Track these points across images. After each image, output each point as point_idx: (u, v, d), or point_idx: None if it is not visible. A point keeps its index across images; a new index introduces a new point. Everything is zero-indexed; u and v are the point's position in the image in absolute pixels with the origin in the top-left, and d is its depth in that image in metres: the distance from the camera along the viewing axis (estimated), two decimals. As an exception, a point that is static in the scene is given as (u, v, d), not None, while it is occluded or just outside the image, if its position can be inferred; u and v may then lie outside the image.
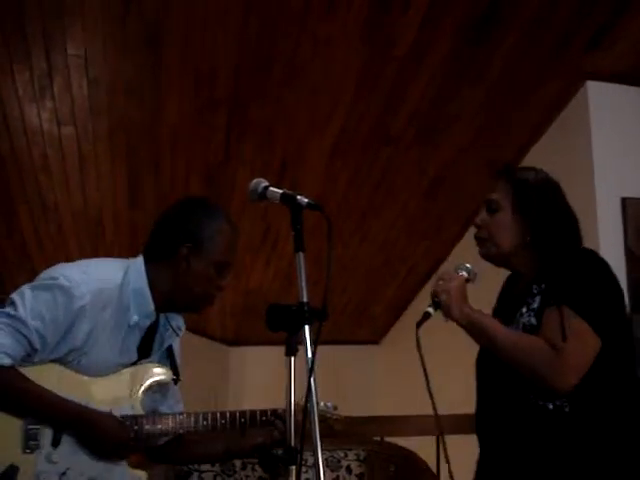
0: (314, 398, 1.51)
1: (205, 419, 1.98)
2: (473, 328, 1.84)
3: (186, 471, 2.93)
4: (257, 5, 3.27)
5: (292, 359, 1.61)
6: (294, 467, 1.57)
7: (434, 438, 3.44)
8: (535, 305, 1.83)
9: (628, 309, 3.52)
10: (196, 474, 2.93)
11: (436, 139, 4.15)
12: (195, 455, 2.21)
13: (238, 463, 3.00)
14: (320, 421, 2.03)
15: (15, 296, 1.81)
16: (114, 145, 4.21)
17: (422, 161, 4.34)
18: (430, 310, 1.90)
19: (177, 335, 2.07)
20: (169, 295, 1.96)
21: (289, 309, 1.60)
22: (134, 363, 1.97)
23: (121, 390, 1.92)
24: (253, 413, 2.03)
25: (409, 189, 4.59)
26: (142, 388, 1.95)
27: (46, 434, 1.82)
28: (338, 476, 3.13)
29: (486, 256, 1.97)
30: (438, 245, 5.17)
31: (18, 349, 1.76)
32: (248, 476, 2.98)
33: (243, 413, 2.04)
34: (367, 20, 3.32)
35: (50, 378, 1.82)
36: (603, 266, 1.84)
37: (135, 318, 1.91)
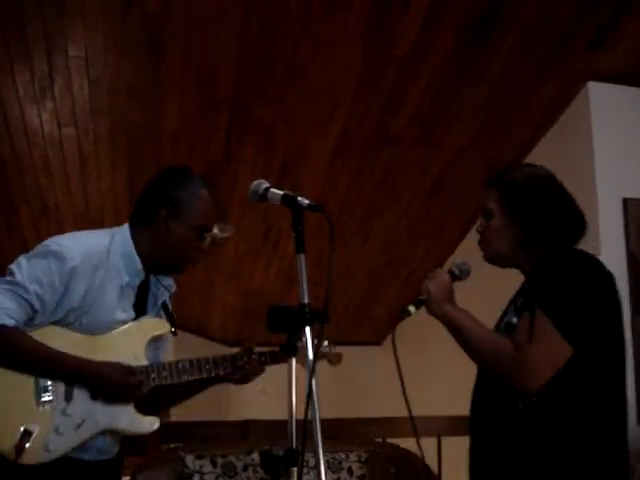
0: (315, 400, 1.51)
1: (207, 363, 2.10)
2: (449, 326, 1.89)
3: (188, 473, 2.94)
4: (258, 6, 3.27)
5: (293, 360, 1.61)
6: (295, 468, 1.57)
7: (435, 439, 3.44)
8: (519, 304, 1.86)
9: (629, 310, 3.53)
10: (197, 475, 2.94)
11: (437, 139, 4.15)
12: (181, 394, 2.25)
13: (240, 465, 3.01)
14: (319, 357, 2.12)
15: (13, 266, 1.91)
16: (115, 146, 4.21)
17: (423, 161, 4.33)
18: (410, 308, 1.95)
19: (168, 292, 2.17)
20: (153, 257, 2.07)
21: (290, 311, 1.60)
22: (133, 320, 2.06)
23: (124, 345, 2.00)
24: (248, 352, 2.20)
25: (411, 189, 4.59)
26: (145, 341, 2.06)
27: (59, 389, 1.90)
28: (339, 477, 3.13)
29: (488, 260, 2.01)
30: (440, 245, 5.17)
31: (20, 312, 1.86)
32: (249, 478, 2.98)
33: (235, 355, 2.18)
34: (367, 20, 3.32)
35: (53, 339, 1.91)
36: (590, 270, 1.82)
37: (126, 279, 2.02)
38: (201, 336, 6.40)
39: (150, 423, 2.04)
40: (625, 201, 3.63)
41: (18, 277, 1.87)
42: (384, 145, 4.20)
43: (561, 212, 1.90)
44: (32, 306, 1.87)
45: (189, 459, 2.99)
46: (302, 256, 1.62)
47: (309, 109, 3.92)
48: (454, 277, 1.97)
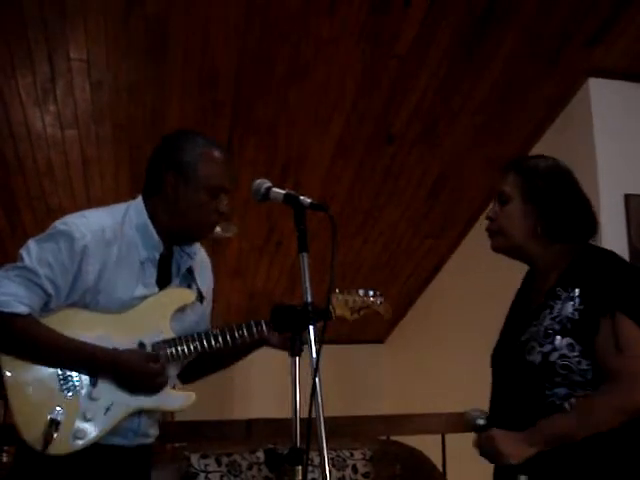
0: (319, 398, 1.52)
1: (240, 329, 1.98)
2: (549, 445, 1.73)
3: (193, 472, 2.94)
4: (258, 5, 3.28)
5: (297, 359, 1.62)
6: (300, 467, 1.57)
7: (440, 437, 3.44)
8: (564, 311, 1.76)
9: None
10: (203, 475, 2.94)
11: (438, 137, 4.15)
12: (220, 360, 2.17)
13: (244, 464, 3.01)
14: (365, 307, 2.06)
15: (22, 250, 1.86)
16: (117, 147, 4.22)
17: (425, 159, 4.34)
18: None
19: (191, 259, 2.05)
20: (170, 226, 1.97)
21: (294, 309, 1.61)
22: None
23: (148, 319, 1.91)
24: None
25: (412, 187, 4.60)
26: (169, 313, 1.96)
27: (83, 375, 1.84)
28: (344, 475, 3.13)
29: (497, 249, 1.94)
30: (442, 243, 5.17)
31: (33, 297, 1.79)
32: (254, 476, 2.98)
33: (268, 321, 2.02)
34: (368, 18, 3.33)
35: (72, 321, 1.85)
36: (631, 266, 1.84)
37: (144, 253, 1.94)
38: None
39: (185, 397, 1.95)
40: (627, 197, 3.63)
41: (27, 262, 1.81)
42: (385, 143, 4.20)
43: (580, 206, 1.87)
44: (45, 291, 1.80)
45: (194, 458, 2.99)
46: (305, 255, 1.62)
47: (310, 108, 3.93)
48: (485, 427, 1.83)
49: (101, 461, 1.85)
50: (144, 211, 1.97)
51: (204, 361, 2.09)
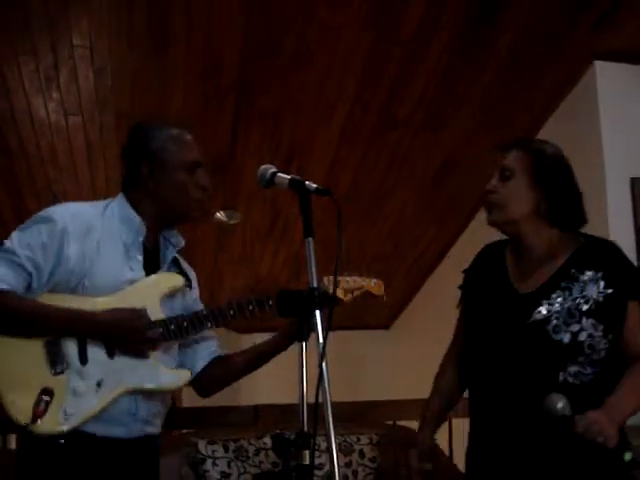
0: (326, 383, 1.52)
1: (230, 307, 1.98)
2: (624, 421, 1.81)
3: (201, 458, 2.96)
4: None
5: (303, 345, 1.62)
6: (307, 451, 1.58)
7: (446, 421, 3.45)
8: (589, 293, 1.83)
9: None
10: (210, 460, 2.96)
11: (444, 123, 4.13)
12: (238, 369, 2.24)
13: (251, 449, 3.03)
14: (358, 288, 2.10)
15: (6, 239, 1.86)
16: (121, 134, 4.20)
17: (429, 146, 4.32)
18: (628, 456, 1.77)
19: (175, 248, 2.08)
20: (157, 214, 2.00)
21: (299, 295, 1.61)
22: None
23: (137, 302, 1.90)
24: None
25: (417, 174, 4.58)
26: (158, 296, 1.96)
27: (71, 355, 1.83)
28: (351, 460, 3.15)
29: (495, 223, 1.96)
30: (447, 229, 5.16)
31: (14, 276, 1.80)
32: (262, 462, 3.00)
33: (261, 297, 2.01)
34: (372, 4, 3.30)
35: (62, 304, 1.84)
36: None
37: (128, 238, 1.95)
38: (211, 323, 6.43)
39: (180, 376, 1.96)
40: (633, 180, 3.62)
41: (8, 244, 1.83)
42: (390, 130, 4.19)
43: (578, 194, 1.93)
44: (25, 269, 1.80)
45: (201, 444, 3.01)
46: (310, 240, 1.61)
47: (315, 95, 3.91)
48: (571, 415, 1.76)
49: (102, 456, 1.83)
50: (126, 204, 1.99)
51: (226, 367, 2.15)
